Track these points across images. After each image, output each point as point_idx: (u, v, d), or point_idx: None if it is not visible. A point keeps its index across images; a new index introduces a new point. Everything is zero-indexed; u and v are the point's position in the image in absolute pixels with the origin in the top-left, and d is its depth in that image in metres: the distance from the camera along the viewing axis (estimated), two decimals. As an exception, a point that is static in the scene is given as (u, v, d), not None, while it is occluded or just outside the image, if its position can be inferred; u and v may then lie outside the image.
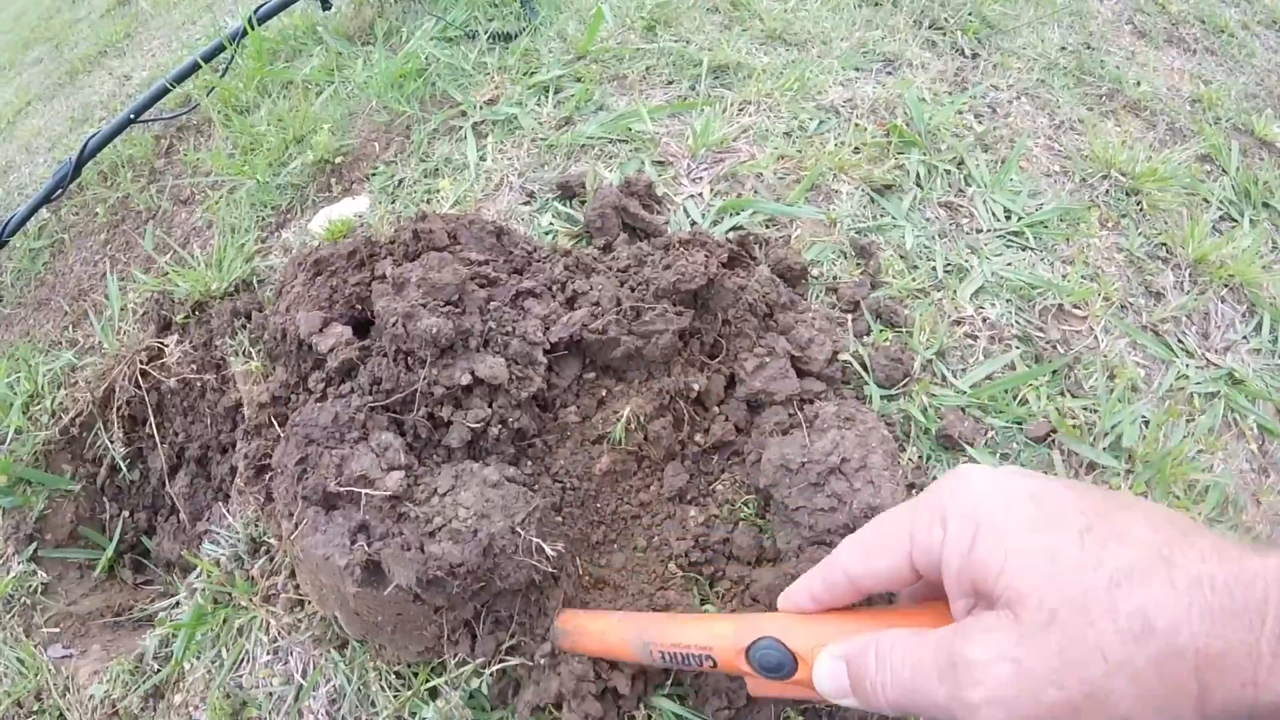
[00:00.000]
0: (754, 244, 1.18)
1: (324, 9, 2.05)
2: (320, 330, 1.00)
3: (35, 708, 1.24)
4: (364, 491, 0.85)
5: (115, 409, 1.59)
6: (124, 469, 1.57)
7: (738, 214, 1.26)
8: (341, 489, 0.86)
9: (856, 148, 1.38)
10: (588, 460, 0.97)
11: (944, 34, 1.85)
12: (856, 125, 1.42)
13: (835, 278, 1.19)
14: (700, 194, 1.30)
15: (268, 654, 1.08)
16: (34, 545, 1.46)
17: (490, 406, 0.92)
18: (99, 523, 1.57)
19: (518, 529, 0.85)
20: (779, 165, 1.33)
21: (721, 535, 0.95)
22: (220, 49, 1.96)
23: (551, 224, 1.30)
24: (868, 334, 1.13)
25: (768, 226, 1.25)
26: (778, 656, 0.62)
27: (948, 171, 1.39)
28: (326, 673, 1.02)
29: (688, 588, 0.93)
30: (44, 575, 1.42)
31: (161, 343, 1.51)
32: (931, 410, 1.07)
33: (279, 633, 1.08)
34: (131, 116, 1.97)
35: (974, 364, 1.14)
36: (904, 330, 1.14)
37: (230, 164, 1.69)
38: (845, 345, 1.10)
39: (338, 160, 1.59)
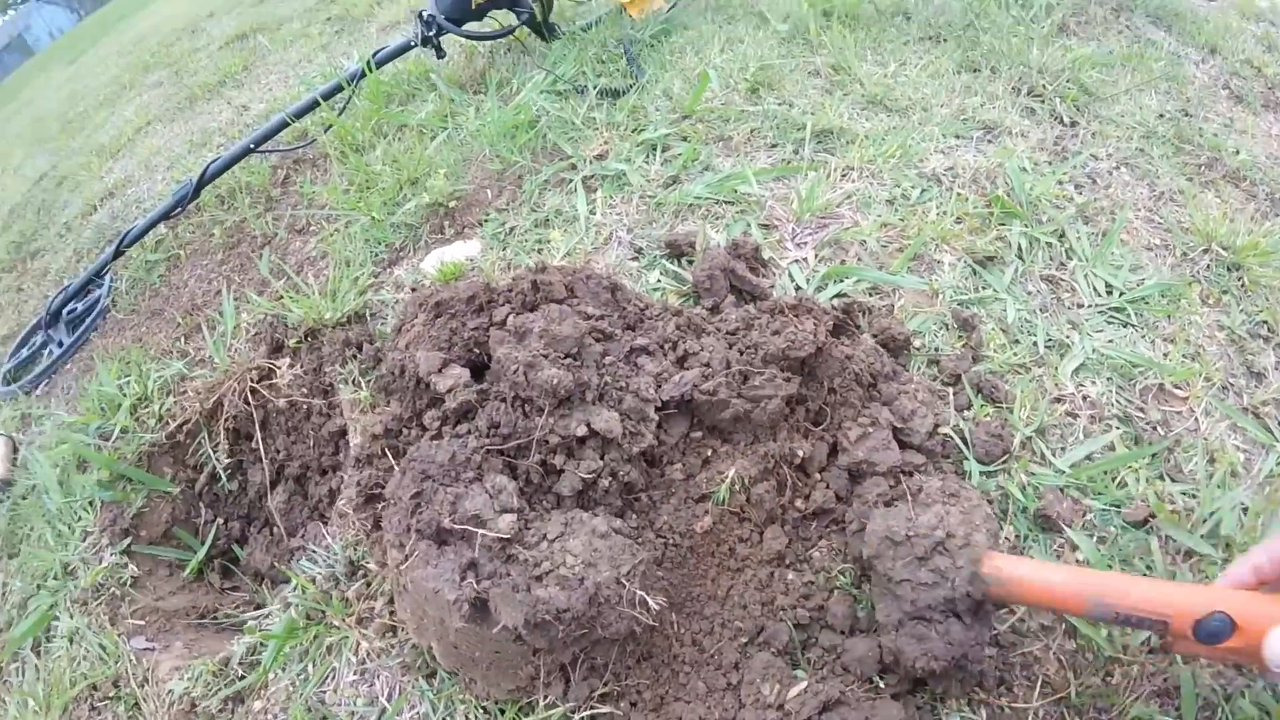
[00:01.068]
0: (858, 312, 1.17)
1: (438, 56, 2.12)
2: (439, 370, 1.02)
3: (111, 694, 1.26)
4: (478, 531, 0.86)
5: (221, 421, 1.64)
6: (224, 478, 1.61)
7: (841, 281, 1.26)
8: (455, 526, 0.87)
9: (959, 218, 1.37)
10: (690, 518, 0.97)
11: (1042, 101, 1.83)
12: (958, 195, 1.41)
13: (937, 349, 1.17)
14: (805, 259, 1.30)
15: (354, 674, 1.08)
16: (128, 540, 1.50)
17: (603, 459, 0.92)
18: (193, 526, 1.62)
19: (623, 580, 0.85)
20: (882, 233, 1.33)
21: (817, 602, 0.94)
22: (338, 89, 2.03)
23: (660, 281, 1.31)
24: (968, 408, 1.11)
25: (871, 294, 1.25)
26: (1221, 627, 0.71)
27: (1049, 244, 1.36)
28: (412, 700, 1.02)
29: (780, 651, 0.92)
30: (134, 569, 1.46)
31: (273, 364, 1.55)
32: (1030, 489, 1.04)
33: (368, 655, 1.09)
34: (251, 146, 2.05)
35: (1073, 443, 1.11)
36: (1004, 406, 1.12)
37: (345, 199, 1.74)
38: (946, 419, 1.08)
39: (451, 204, 1.62)
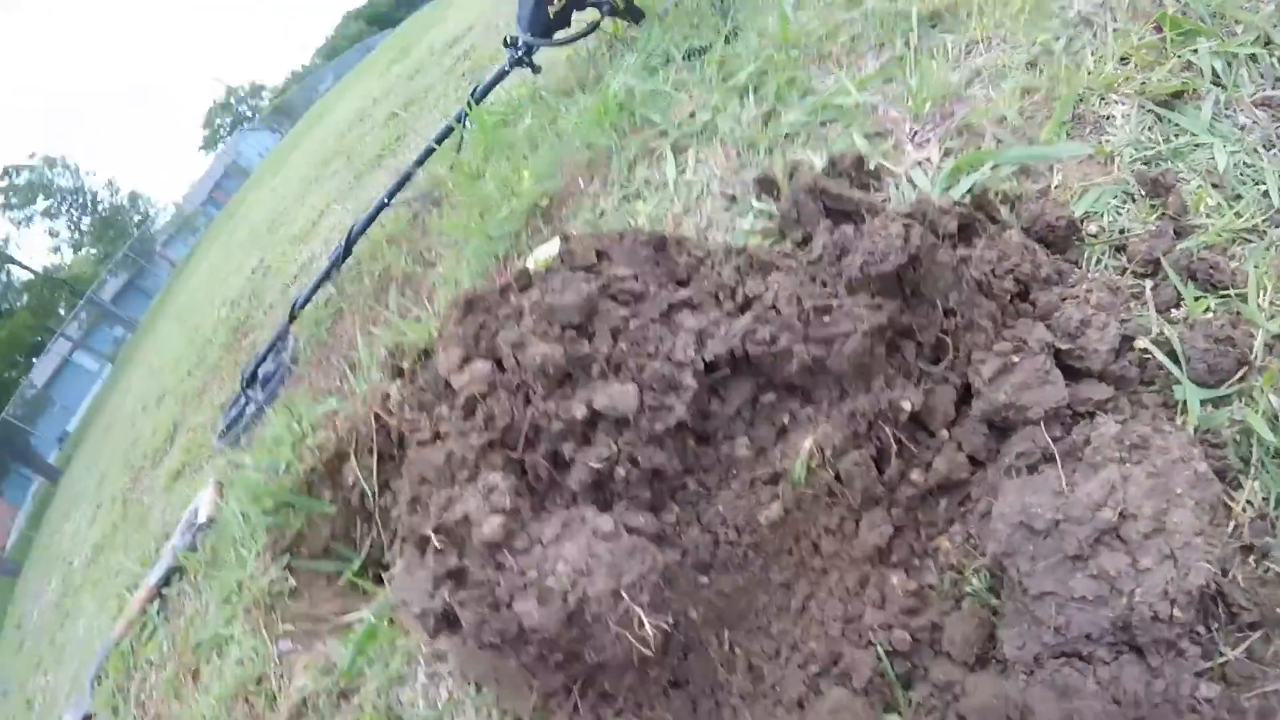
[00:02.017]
0: (997, 203, 0.82)
1: (534, 73, 2.02)
2: (460, 368, 0.84)
3: (254, 689, 1.34)
4: (466, 535, 0.67)
5: (364, 445, 1.67)
6: (373, 495, 1.62)
7: (975, 170, 0.90)
8: (431, 532, 0.68)
9: (1124, 57, 0.95)
10: (754, 505, 0.69)
11: None
12: (1116, 31, 0.98)
13: (1122, 230, 0.78)
14: (928, 158, 0.96)
15: (425, 678, 1.05)
16: (288, 556, 1.55)
17: (615, 443, 0.68)
18: (352, 540, 1.60)
19: (623, 592, 0.60)
20: (1025, 102, 0.94)
21: (932, 617, 0.62)
22: (449, 131, 2.00)
23: (753, 225, 1.05)
24: (1176, 305, 0.71)
25: (1020, 180, 0.88)
26: None
27: (1253, 57, 0.90)
28: (463, 707, 0.95)
29: (864, 688, 0.61)
30: (293, 582, 1.52)
31: (388, 389, 1.52)
32: (1288, 417, 0.63)
33: (429, 659, 1.05)
34: (386, 200, 2.08)
35: None
36: (1233, 292, 0.71)
37: (456, 224, 1.68)
38: (1144, 325, 0.70)
39: (544, 203, 1.49)
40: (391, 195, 2.08)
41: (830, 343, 0.68)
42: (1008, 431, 0.66)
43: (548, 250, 1.37)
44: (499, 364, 0.83)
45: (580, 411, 0.68)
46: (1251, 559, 0.56)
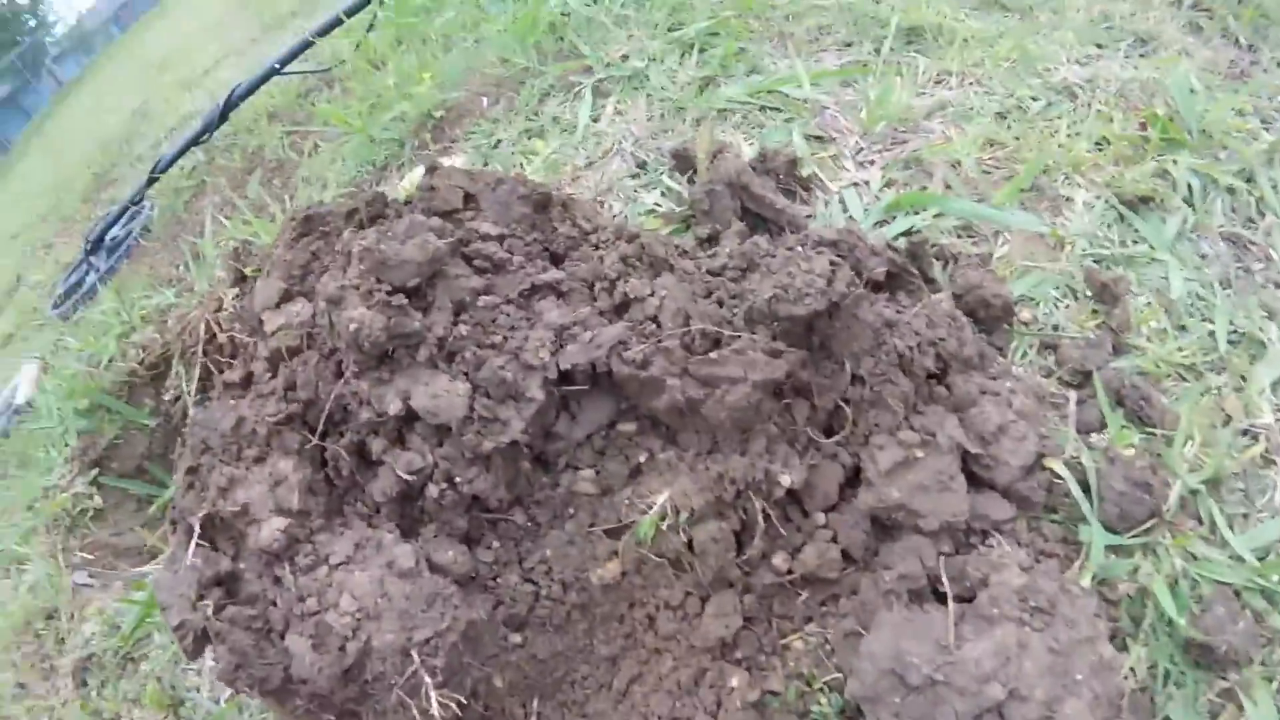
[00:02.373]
0: (932, 258, 0.71)
1: None
2: (277, 305, 0.67)
3: (43, 625, 1.21)
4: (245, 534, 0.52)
5: (189, 355, 1.47)
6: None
7: (916, 213, 0.79)
8: (200, 523, 0.53)
9: (1099, 141, 0.86)
10: (589, 558, 0.57)
11: (1211, 17, 1.24)
12: (1100, 112, 0.89)
13: (1056, 327, 0.69)
14: (867, 181, 0.84)
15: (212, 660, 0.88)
16: (96, 469, 1.39)
17: (432, 454, 0.54)
18: (168, 463, 1.42)
19: (413, 652, 0.48)
20: (986, 154, 0.83)
21: None
22: (364, 4, 1.74)
23: (658, 204, 0.91)
24: (1100, 429, 0.63)
25: (960, 236, 0.78)
26: None
27: (1230, 189, 0.83)
28: (247, 707, 0.83)
29: None
30: (99, 500, 1.37)
31: (223, 295, 1.32)
32: (1185, 584, 0.57)
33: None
34: (276, 67, 1.81)
35: (1265, 509, 0.62)
36: (1158, 432, 0.63)
37: (341, 114, 1.45)
38: (1058, 445, 0.61)
39: (439, 114, 1.29)
40: (284, 64, 1.81)
41: (713, 385, 0.55)
42: (893, 533, 0.56)
43: (415, 179, 1.20)
44: (319, 312, 0.67)
45: (394, 406, 0.53)
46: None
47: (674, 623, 0.57)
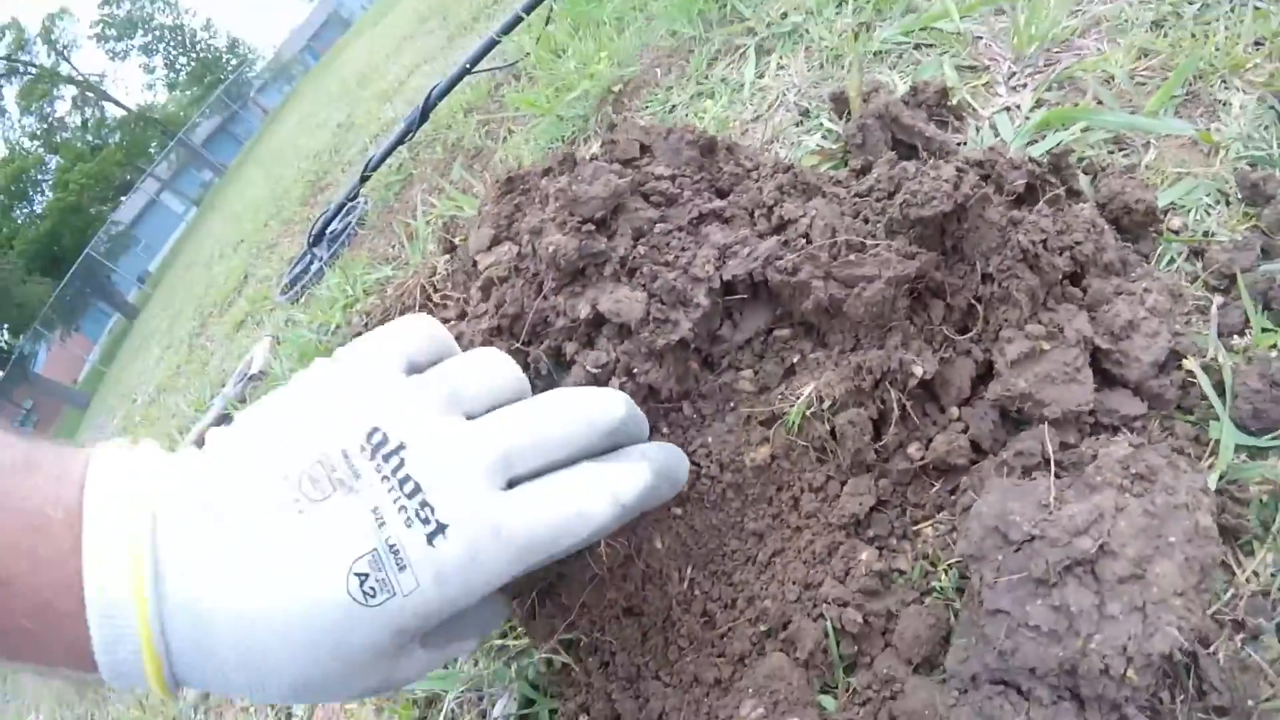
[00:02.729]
0: (1076, 170, 0.79)
1: None
2: (488, 248, 0.88)
3: None
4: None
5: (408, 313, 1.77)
6: None
7: (1064, 128, 0.86)
8: None
9: (1258, 41, 0.87)
10: (743, 444, 0.71)
11: None
12: (1258, 10, 0.89)
13: (1206, 234, 0.74)
14: (1018, 105, 0.92)
15: None
16: None
17: (615, 350, 0.71)
18: None
19: None
20: (1138, 66, 0.88)
21: (891, 605, 0.62)
22: (539, 2, 1.99)
23: (820, 144, 1.04)
24: (1241, 332, 0.68)
25: (1111, 151, 0.84)
26: None
27: None
28: None
29: (806, 660, 0.62)
30: None
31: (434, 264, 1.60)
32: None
33: None
34: (467, 67, 2.11)
35: None
36: None
37: (530, 99, 1.70)
38: (1198, 346, 0.67)
39: (618, 90, 1.50)
40: (474, 63, 2.11)
41: (852, 285, 0.68)
42: (1020, 425, 0.65)
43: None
44: (522, 255, 0.87)
45: (585, 311, 0.71)
46: (1239, 638, 0.53)
47: (815, 503, 0.69)
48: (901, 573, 0.65)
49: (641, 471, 0.57)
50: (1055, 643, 0.49)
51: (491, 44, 2.08)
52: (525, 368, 0.77)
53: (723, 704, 0.63)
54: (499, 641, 0.80)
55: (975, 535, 0.55)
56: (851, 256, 0.69)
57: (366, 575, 0.43)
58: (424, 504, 0.46)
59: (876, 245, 0.70)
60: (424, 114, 2.18)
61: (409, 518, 0.45)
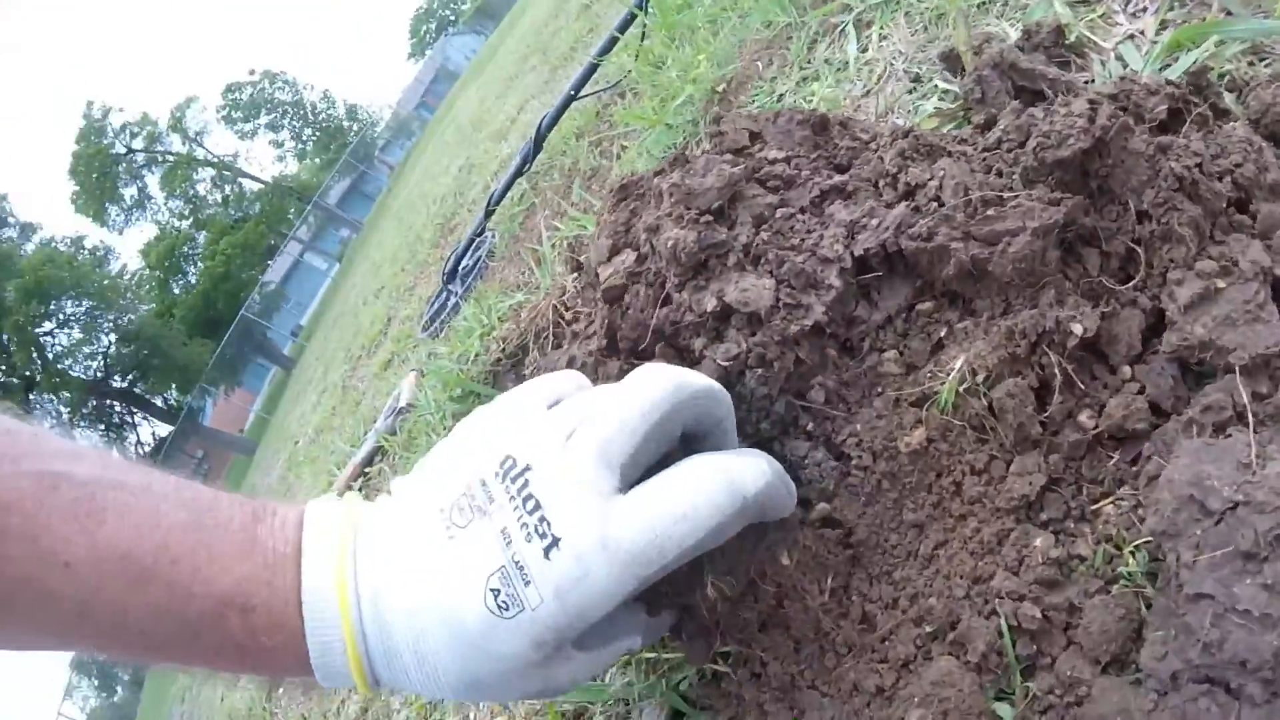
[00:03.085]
0: (1219, 88, 0.71)
1: None
2: (607, 259, 0.88)
3: None
4: None
5: (542, 338, 1.83)
6: None
7: (1195, 46, 0.78)
8: None
9: None
10: (895, 429, 0.68)
11: None
12: None
13: None
14: (1141, 31, 0.84)
15: None
16: None
17: (745, 342, 0.70)
18: None
19: None
20: None
21: (1073, 597, 0.55)
22: (632, 19, 2.02)
23: (937, 108, 0.99)
24: None
25: (1251, 62, 0.75)
26: None
27: None
28: None
29: (978, 664, 0.57)
30: None
31: (564, 283, 1.64)
32: None
33: None
34: (572, 94, 2.16)
35: None
36: None
37: (637, 113, 1.73)
38: None
39: (721, 89, 1.49)
40: (577, 88, 2.16)
41: (994, 242, 0.64)
42: (1204, 378, 0.59)
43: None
44: (642, 257, 0.87)
45: (711, 304, 0.69)
46: None
47: (979, 487, 0.63)
48: (1082, 559, 0.57)
49: (759, 464, 0.55)
50: (1270, 629, 0.42)
51: (592, 68, 2.13)
52: None
53: (886, 715, 0.58)
54: (649, 655, 0.80)
55: (1167, 508, 0.49)
56: (990, 212, 0.64)
57: (499, 590, 0.48)
58: (542, 519, 0.48)
59: (1015, 196, 0.65)
60: (537, 144, 2.25)
61: (529, 534, 0.48)
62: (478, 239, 2.52)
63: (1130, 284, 0.64)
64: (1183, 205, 0.61)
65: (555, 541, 0.48)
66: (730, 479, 0.51)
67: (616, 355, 0.78)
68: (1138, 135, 0.62)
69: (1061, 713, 0.52)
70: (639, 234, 0.80)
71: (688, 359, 0.73)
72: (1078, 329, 0.62)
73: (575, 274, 1.55)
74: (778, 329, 0.68)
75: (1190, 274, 0.60)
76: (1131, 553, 0.56)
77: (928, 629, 0.61)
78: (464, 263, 2.54)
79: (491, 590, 0.48)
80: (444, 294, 2.60)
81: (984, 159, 0.73)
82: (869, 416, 0.69)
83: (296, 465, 4.80)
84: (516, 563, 0.48)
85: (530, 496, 0.49)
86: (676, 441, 0.58)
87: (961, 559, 0.62)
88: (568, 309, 1.56)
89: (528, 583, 0.48)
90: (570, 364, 0.79)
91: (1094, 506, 0.60)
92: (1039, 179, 0.66)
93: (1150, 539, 0.53)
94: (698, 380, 0.58)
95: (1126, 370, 0.63)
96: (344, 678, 0.50)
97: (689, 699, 0.74)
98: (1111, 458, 0.62)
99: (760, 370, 0.69)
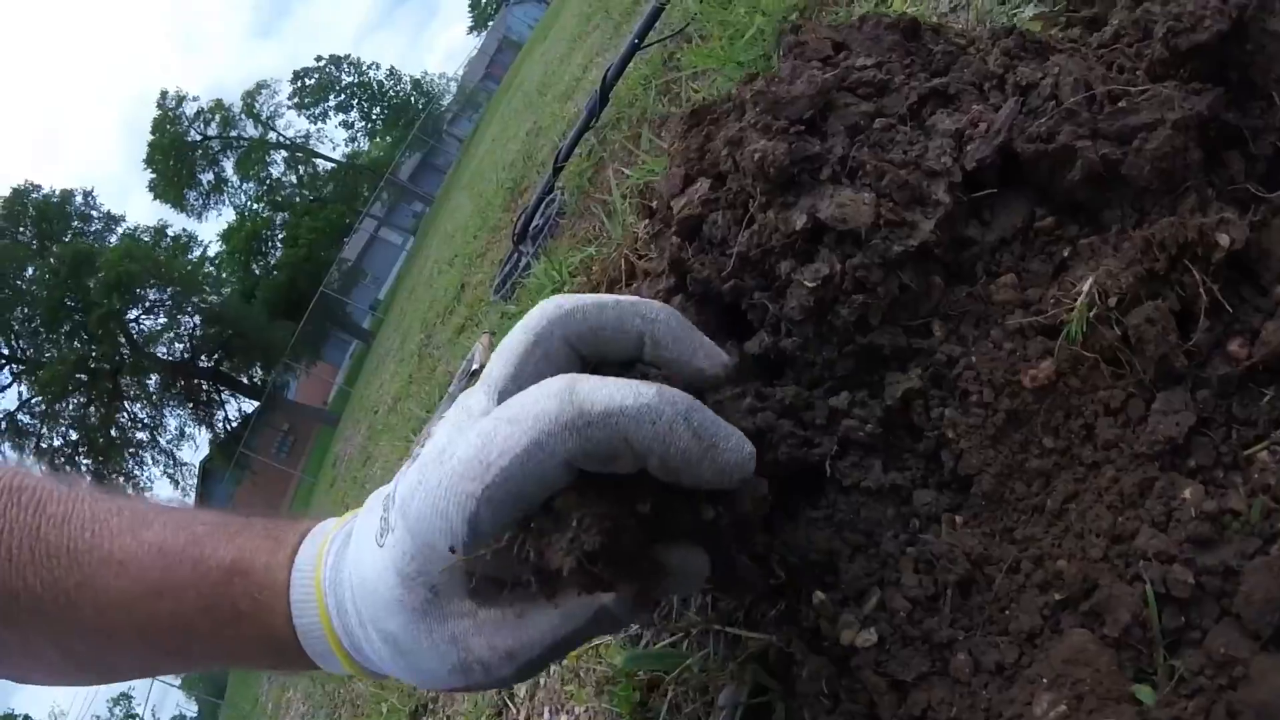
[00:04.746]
0: None
1: None
2: (681, 190, 0.83)
3: None
4: None
5: (614, 288, 1.80)
6: None
7: None
8: None
9: None
10: (1016, 363, 0.59)
11: None
12: None
13: None
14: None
15: None
16: None
17: (839, 264, 0.63)
18: None
19: None
20: None
21: (1229, 559, 0.46)
22: (694, -40, 1.93)
23: (1037, 11, 0.91)
24: None
25: None
26: None
27: None
28: None
29: (1118, 639, 0.47)
30: None
31: (635, 232, 1.59)
32: None
33: None
34: (636, 42, 2.09)
35: None
36: None
37: (705, 54, 1.66)
38: None
39: (794, 17, 1.41)
40: (641, 36, 2.09)
41: (1128, 139, 0.56)
42: None
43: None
44: (720, 179, 0.81)
45: (801, 221, 0.63)
46: None
47: (1115, 429, 0.54)
48: (1235, 514, 0.48)
49: (641, 389, 0.42)
50: None
51: (656, 13, 2.05)
52: (737, 298, 0.72)
53: (1007, 697, 0.49)
54: (732, 630, 0.74)
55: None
56: (1122, 103, 0.57)
57: (385, 520, 0.49)
58: (420, 446, 0.49)
59: (1145, 90, 0.57)
60: (603, 96, 2.19)
61: (410, 463, 0.49)
62: (547, 198, 2.49)
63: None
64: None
65: (414, 460, 0.48)
66: (573, 389, 0.42)
67: (684, 293, 0.73)
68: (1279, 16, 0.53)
69: (1213, 697, 0.43)
70: (718, 153, 0.74)
71: (773, 286, 0.67)
72: (1225, 239, 0.54)
73: (646, 221, 1.50)
74: (878, 249, 0.62)
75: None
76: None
77: (1057, 596, 0.51)
78: (534, 223, 2.52)
79: (381, 524, 0.49)
80: (515, 255, 2.59)
81: (1101, 56, 0.64)
82: (986, 349, 0.62)
83: (376, 434, 4.94)
84: (394, 489, 0.48)
85: (429, 435, 0.50)
86: (579, 362, 0.51)
87: (1097, 513, 0.52)
88: (640, 256, 1.51)
89: (389, 507, 0.48)
90: (654, 297, 0.74)
91: (1246, 452, 0.51)
92: (1169, 72, 0.57)
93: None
94: (589, 299, 0.52)
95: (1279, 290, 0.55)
96: (320, 641, 0.52)
97: (775, 674, 0.69)
98: (1264, 394, 0.53)
99: (861, 297, 0.62)
